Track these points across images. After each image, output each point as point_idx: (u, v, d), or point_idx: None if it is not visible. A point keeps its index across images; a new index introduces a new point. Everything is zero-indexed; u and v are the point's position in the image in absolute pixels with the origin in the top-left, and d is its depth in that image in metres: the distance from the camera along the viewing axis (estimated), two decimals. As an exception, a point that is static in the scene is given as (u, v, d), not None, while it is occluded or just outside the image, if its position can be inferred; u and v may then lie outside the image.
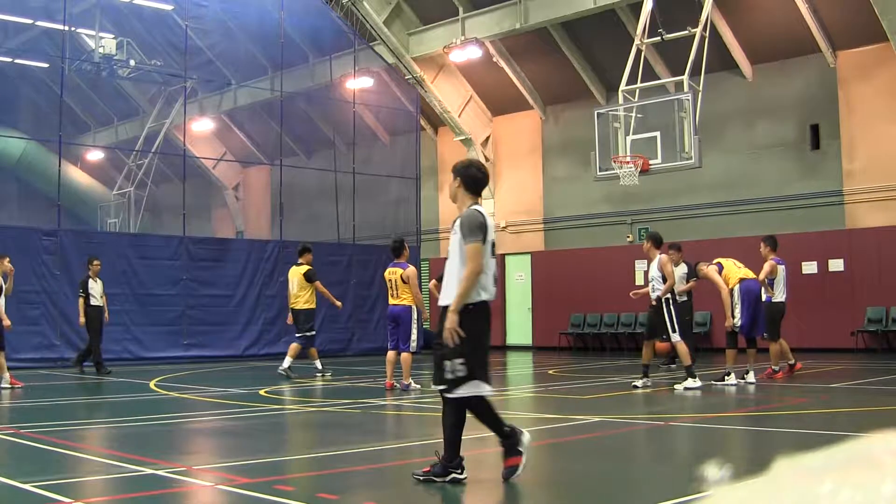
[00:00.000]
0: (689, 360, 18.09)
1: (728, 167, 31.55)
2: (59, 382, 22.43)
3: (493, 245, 8.89)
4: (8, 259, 21.62)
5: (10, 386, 20.14)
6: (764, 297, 20.48)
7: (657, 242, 18.98)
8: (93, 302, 24.78)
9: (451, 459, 8.71)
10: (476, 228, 8.77)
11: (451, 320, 8.59)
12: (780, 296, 20.36)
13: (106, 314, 25.02)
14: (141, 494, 8.47)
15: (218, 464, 10.33)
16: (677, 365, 21.36)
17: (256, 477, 9.03)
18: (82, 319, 24.62)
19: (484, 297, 8.80)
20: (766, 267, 20.15)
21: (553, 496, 8.64)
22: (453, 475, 8.68)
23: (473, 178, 9.13)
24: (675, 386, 18.10)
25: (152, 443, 12.49)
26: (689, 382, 17.78)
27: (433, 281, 27.16)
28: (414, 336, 19.12)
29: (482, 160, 37.08)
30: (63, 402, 18.62)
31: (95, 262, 25.10)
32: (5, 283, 21.09)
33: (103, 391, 20.49)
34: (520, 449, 8.72)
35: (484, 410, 8.86)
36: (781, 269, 20.40)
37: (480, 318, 8.76)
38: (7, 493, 8.35)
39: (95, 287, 24.86)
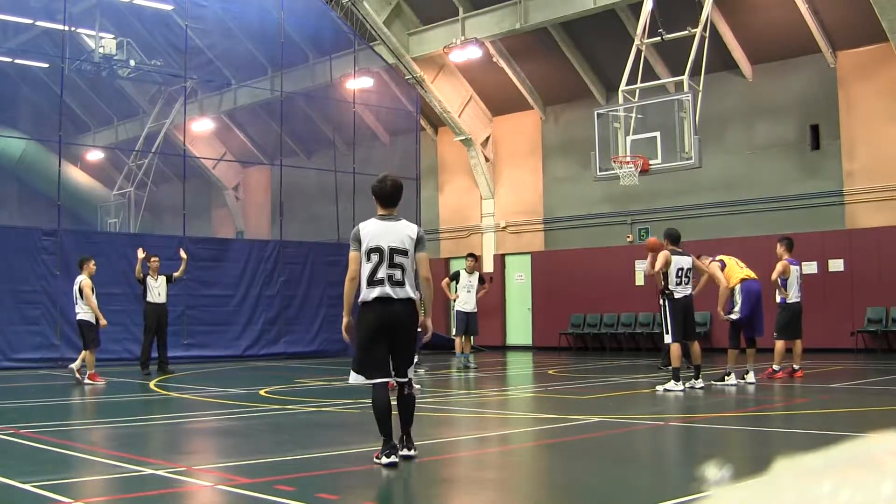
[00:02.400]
0: (678, 362, 18.07)
1: (728, 167, 31.56)
2: (59, 382, 22.41)
3: (383, 251, 9.85)
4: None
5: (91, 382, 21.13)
6: (778, 299, 20.51)
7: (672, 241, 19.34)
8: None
9: (383, 444, 9.68)
10: (352, 239, 10.05)
11: (343, 321, 10.24)
12: (794, 296, 20.37)
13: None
14: (141, 494, 8.47)
15: (218, 464, 10.33)
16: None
17: (256, 477, 9.03)
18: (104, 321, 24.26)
19: (369, 297, 9.85)
20: (779, 267, 20.13)
21: (552, 496, 8.62)
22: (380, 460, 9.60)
23: (373, 191, 10.32)
24: (657, 387, 18.09)
25: (152, 443, 12.51)
26: (671, 385, 17.74)
27: (445, 279, 27.27)
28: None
29: (482, 160, 37.27)
30: (62, 402, 18.61)
31: (154, 259, 25.15)
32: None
33: (103, 391, 20.46)
34: (386, 459, 9.56)
35: (373, 405, 9.85)
36: (794, 269, 20.40)
37: (364, 318, 9.90)
38: (6, 493, 8.34)
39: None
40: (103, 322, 22.15)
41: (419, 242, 10.05)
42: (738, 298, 19.42)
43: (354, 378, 9.91)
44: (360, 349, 9.91)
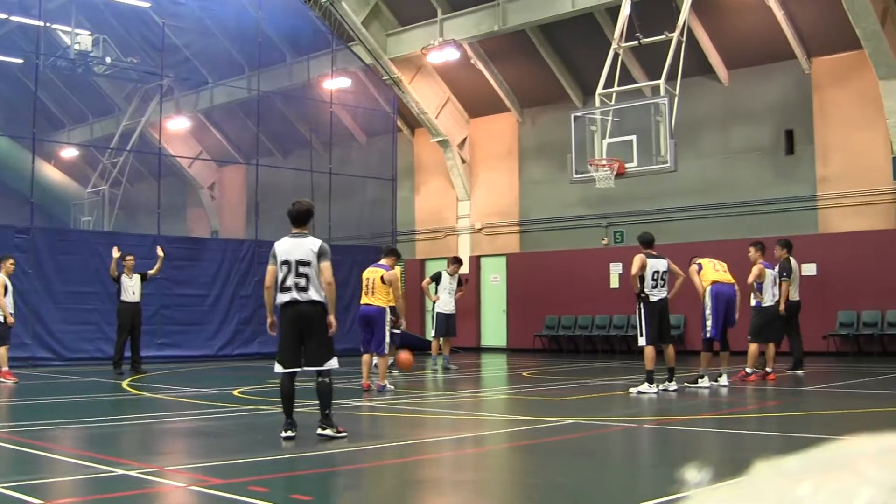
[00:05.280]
0: (652, 365, 18.10)
1: (703, 171, 31.67)
2: (30, 382, 22.31)
3: (291, 263, 12.11)
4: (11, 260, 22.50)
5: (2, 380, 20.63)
6: (753, 302, 20.68)
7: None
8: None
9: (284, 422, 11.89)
10: (270, 255, 12.46)
11: (268, 321, 12.69)
12: (769, 300, 20.58)
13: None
14: (113, 495, 8.44)
15: (191, 464, 10.30)
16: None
17: (229, 478, 9.02)
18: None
19: (281, 301, 12.14)
20: (755, 270, 20.37)
21: (526, 498, 8.63)
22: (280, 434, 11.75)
23: (287, 213, 12.56)
24: (631, 389, 18.15)
25: (124, 443, 12.48)
26: (644, 387, 17.79)
27: (426, 280, 27.36)
28: (387, 338, 19.14)
29: (458, 162, 37.32)
30: (34, 402, 18.53)
31: (129, 258, 25.01)
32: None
33: (75, 391, 20.41)
34: (284, 433, 11.73)
35: (280, 389, 12.13)
36: (769, 272, 20.59)
37: (281, 318, 12.21)
38: (-23, 492, 8.29)
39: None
40: (10, 320, 22.01)
41: (321, 254, 12.10)
42: (708, 301, 19.48)
43: (277, 368, 12.02)
44: (279, 344, 12.20)
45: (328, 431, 11.66)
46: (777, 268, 21.59)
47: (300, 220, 12.46)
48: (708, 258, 20.20)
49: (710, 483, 2.10)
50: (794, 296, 21.73)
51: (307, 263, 12.01)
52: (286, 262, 12.08)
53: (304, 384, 12.61)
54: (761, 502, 1.90)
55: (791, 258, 21.86)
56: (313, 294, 11.97)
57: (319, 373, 11.96)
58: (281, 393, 11.99)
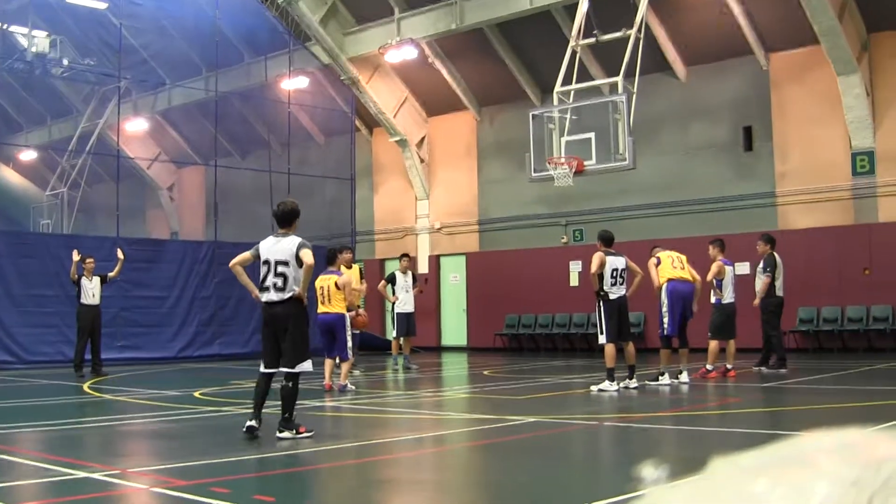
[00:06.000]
0: (613, 363, 18.12)
1: (662, 168, 31.74)
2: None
3: (270, 263, 12.33)
4: None
5: None
6: (713, 300, 20.78)
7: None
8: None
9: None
10: (253, 247, 12.68)
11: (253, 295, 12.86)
12: (728, 297, 20.70)
13: None
14: (75, 498, 8.42)
15: (153, 466, 10.27)
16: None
17: (192, 479, 9.00)
18: None
19: (261, 300, 12.38)
20: (714, 268, 20.47)
21: (487, 496, 8.66)
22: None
23: (273, 213, 12.88)
24: (592, 387, 18.20)
25: (86, 446, 12.43)
26: (605, 385, 17.84)
27: (382, 282, 27.24)
28: (349, 342, 19.14)
29: (417, 161, 37.29)
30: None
31: (89, 260, 24.97)
32: None
33: (36, 394, 20.29)
34: (247, 424, 11.97)
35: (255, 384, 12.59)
36: (729, 269, 20.71)
37: (262, 318, 12.53)
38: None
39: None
40: None
41: (299, 249, 12.25)
42: (664, 299, 19.51)
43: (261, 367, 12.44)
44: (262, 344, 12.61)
45: (285, 434, 11.76)
46: (761, 262, 21.78)
47: (283, 220, 12.64)
48: (668, 252, 20.10)
49: (667, 480, 2.13)
50: (780, 291, 21.82)
51: (286, 263, 12.19)
52: (266, 262, 12.33)
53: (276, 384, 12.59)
54: (718, 499, 1.92)
55: (775, 253, 21.94)
56: (290, 293, 12.15)
57: (287, 375, 12.13)
58: (255, 389, 12.44)
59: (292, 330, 12.14)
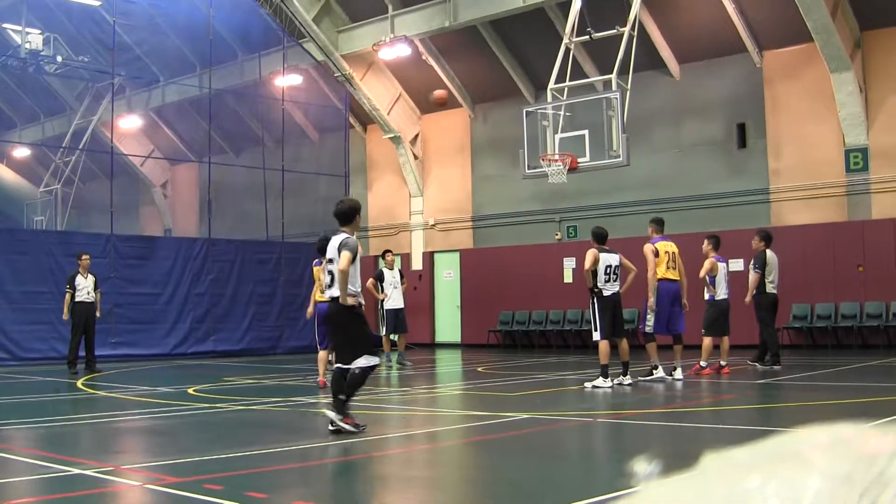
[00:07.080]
0: (607, 359, 18.12)
1: (656, 165, 31.77)
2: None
3: (326, 262, 12.80)
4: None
5: None
6: (706, 296, 20.77)
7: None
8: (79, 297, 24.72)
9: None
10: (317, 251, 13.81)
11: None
12: (722, 293, 20.67)
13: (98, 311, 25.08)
14: (68, 495, 8.40)
15: (146, 463, 10.25)
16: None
17: (185, 476, 8.99)
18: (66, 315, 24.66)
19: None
20: (707, 264, 20.45)
21: (480, 493, 8.65)
22: None
23: (333, 213, 13.03)
24: (586, 383, 18.20)
25: (80, 442, 12.42)
26: (599, 381, 17.84)
27: (370, 280, 27.14)
28: None
29: (411, 158, 37.28)
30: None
31: (84, 257, 24.98)
32: None
33: (30, 390, 20.28)
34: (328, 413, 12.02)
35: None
36: (721, 266, 20.67)
37: None
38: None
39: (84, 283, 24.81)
40: None
41: (341, 248, 12.24)
42: (653, 298, 19.49)
43: None
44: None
45: (332, 414, 11.87)
46: (753, 259, 21.81)
47: (341, 218, 12.89)
48: (665, 245, 19.91)
49: (660, 476, 2.13)
50: (772, 288, 21.79)
51: (333, 261, 12.44)
52: (329, 261, 12.66)
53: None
54: (710, 494, 1.92)
55: (768, 250, 21.90)
56: (336, 291, 12.31)
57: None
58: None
59: (344, 326, 12.38)
